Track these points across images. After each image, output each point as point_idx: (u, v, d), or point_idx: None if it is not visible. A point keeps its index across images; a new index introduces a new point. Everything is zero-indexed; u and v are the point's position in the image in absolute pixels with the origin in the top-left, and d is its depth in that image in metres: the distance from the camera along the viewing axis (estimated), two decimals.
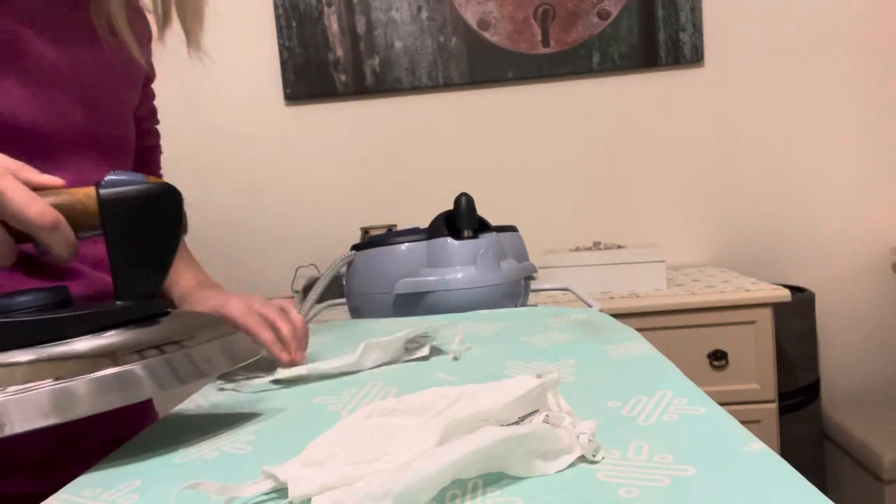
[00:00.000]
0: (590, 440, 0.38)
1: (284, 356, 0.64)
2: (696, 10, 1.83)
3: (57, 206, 0.43)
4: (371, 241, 0.96)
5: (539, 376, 0.42)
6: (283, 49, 1.91)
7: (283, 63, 1.92)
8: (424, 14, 1.89)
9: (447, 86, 1.91)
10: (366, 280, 0.93)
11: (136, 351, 0.43)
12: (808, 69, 1.85)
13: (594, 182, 1.92)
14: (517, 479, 0.36)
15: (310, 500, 0.34)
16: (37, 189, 0.43)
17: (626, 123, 1.90)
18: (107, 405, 0.41)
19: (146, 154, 0.84)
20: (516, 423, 0.39)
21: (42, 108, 0.59)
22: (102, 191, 0.45)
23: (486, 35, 1.88)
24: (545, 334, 0.71)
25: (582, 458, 0.38)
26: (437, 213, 0.95)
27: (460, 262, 0.90)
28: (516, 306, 0.94)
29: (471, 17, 1.88)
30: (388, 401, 0.43)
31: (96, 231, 0.45)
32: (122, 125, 0.70)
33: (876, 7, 1.82)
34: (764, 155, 1.88)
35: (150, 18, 0.73)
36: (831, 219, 1.87)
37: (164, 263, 0.48)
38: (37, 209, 0.42)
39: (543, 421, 0.39)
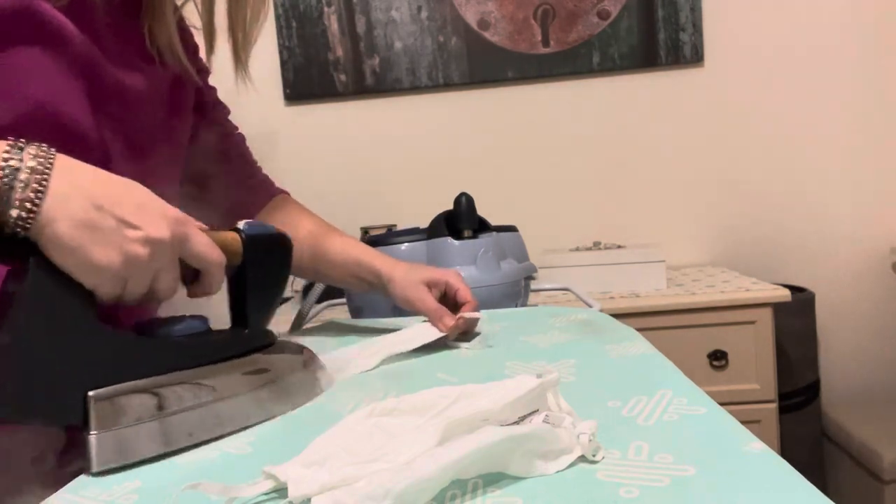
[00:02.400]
0: (590, 440, 0.38)
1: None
2: (696, 9, 1.83)
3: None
4: (371, 241, 0.96)
5: (539, 376, 0.42)
6: (283, 49, 1.91)
7: (283, 63, 1.92)
8: (424, 14, 1.89)
9: (447, 86, 1.91)
10: None
11: (269, 377, 0.53)
12: (807, 69, 1.85)
13: (594, 182, 1.92)
14: (517, 479, 0.36)
15: (310, 500, 0.34)
16: None
17: (626, 123, 1.90)
18: (255, 420, 0.50)
19: (240, 149, 0.90)
20: (516, 423, 0.39)
21: (104, 122, 0.61)
22: (248, 232, 0.53)
23: (486, 35, 1.88)
24: (545, 334, 0.71)
25: (582, 458, 0.38)
26: (437, 213, 0.95)
27: (460, 262, 0.90)
28: (516, 306, 0.94)
29: (471, 16, 1.88)
30: (388, 401, 0.43)
31: (231, 270, 0.52)
32: (168, 149, 0.71)
33: (876, 7, 1.82)
34: (764, 155, 1.88)
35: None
36: (831, 219, 1.87)
37: (278, 298, 0.56)
38: (217, 251, 0.50)
39: (543, 421, 0.39)
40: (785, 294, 1.45)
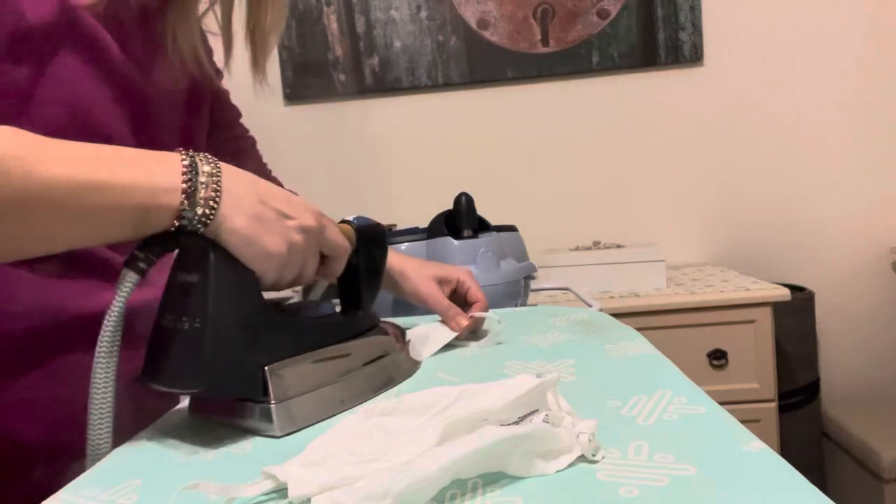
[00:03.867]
0: (590, 440, 0.38)
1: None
2: (695, 9, 1.83)
3: None
4: None
5: (539, 376, 0.42)
6: (283, 49, 1.91)
7: (283, 63, 1.92)
8: (424, 13, 1.89)
9: (447, 85, 1.91)
10: None
11: (385, 352, 0.59)
12: (807, 68, 1.85)
13: (594, 181, 1.92)
14: (517, 478, 0.36)
15: (310, 500, 0.34)
16: None
17: (626, 123, 1.90)
18: (378, 392, 0.56)
19: (253, 151, 0.93)
20: (516, 422, 0.39)
21: (134, 127, 0.63)
22: (357, 225, 0.60)
23: (486, 34, 1.88)
24: (545, 334, 0.71)
25: (582, 458, 0.38)
26: (437, 212, 0.95)
27: (460, 262, 0.90)
28: (516, 306, 0.94)
29: (470, 16, 1.88)
30: (388, 400, 0.43)
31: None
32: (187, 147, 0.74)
33: (876, 7, 1.82)
34: (763, 154, 1.88)
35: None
36: (831, 218, 1.87)
37: (380, 283, 0.63)
38: (345, 240, 0.56)
39: (543, 420, 0.39)
40: (784, 293, 1.45)
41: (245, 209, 0.48)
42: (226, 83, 0.88)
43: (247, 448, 0.45)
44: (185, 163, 0.46)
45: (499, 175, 1.93)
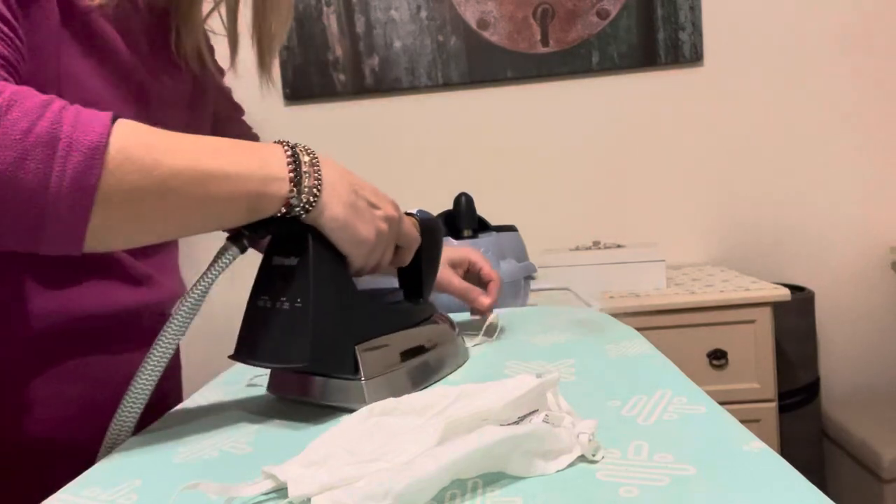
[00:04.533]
0: (589, 440, 0.38)
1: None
2: (695, 9, 1.83)
3: None
4: None
5: (539, 376, 0.42)
6: (283, 49, 1.91)
7: (283, 63, 1.92)
8: (424, 14, 1.89)
9: (447, 85, 1.91)
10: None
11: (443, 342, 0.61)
12: (807, 68, 1.85)
13: (594, 181, 1.92)
14: (517, 478, 0.36)
15: (309, 499, 0.34)
16: None
17: (626, 123, 1.90)
18: (440, 377, 0.59)
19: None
20: (516, 422, 0.39)
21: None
22: (420, 219, 0.62)
23: (486, 34, 1.88)
24: (545, 334, 0.71)
25: (582, 458, 0.38)
26: (437, 212, 0.95)
27: None
28: (516, 306, 0.94)
29: (470, 16, 1.88)
30: (388, 400, 0.43)
31: None
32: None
33: (876, 7, 1.82)
34: (763, 154, 1.88)
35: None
36: (831, 218, 1.87)
37: (436, 274, 0.67)
38: (415, 232, 0.60)
39: (543, 420, 0.39)
40: (784, 293, 1.45)
41: (342, 198, 0.51)
42: (227, 81, 0.89)
43: (247, 448, 0.45)
44: (289, 153, 0.50)
45: (499, 175, 1.93)
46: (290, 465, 0.37)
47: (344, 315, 0.51)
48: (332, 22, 1.90)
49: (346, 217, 0.51)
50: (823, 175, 1.87)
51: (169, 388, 0.72)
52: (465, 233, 0.92)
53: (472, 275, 0.81)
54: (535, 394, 0.41)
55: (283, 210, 0.49)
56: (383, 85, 1.91)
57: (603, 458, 0.38)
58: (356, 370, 0.51)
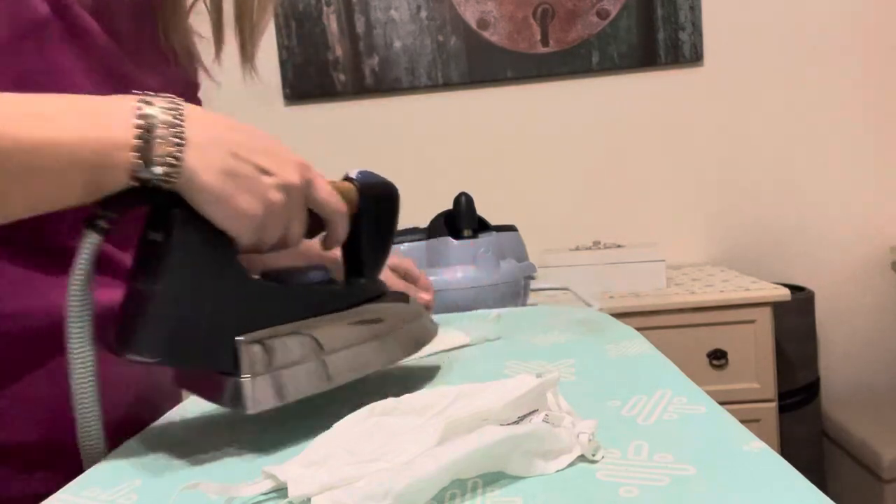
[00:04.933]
0: (589, 440, 0.38)
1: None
2: (695, 9, 1.83)
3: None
4: None
5: (539, 376, 0.42)
6: (283, 49, 1.91)
7: (283, 63, 1.92)
8: (424, 13, 1.89)
9: (447, 85, 1.91)
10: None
11: (394, 321, 0.54)
12: (807, 68, 1.85)
13: (594, 181, 1.92)
14: (517, 478, 0.36)
15: (309, 499, 0.34)
16: None
17: (626, 123, 1.90)
18: (384, 364, 0.52)
19: None
20: (516, 422, 0.39)
21: None
22: (363, 182, 0.53)
23: (486, 34, 1.88)
24: (545, 334, 0.71)
25: (582, 458, 0.38)
26: (437, 212, 0.95)
27: (460, 262, 0.90)
28: (516, 306, 0.94)
29: (470, 16, 1.88)
30: (388, 400, 0.43)
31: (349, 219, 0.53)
32: None
33: (876, 6, 1.82)
34: (763, 154, 1.88)
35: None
36: (831, 218, 1.87)
37: (389, 248, 0.57)
38: (335, 198, 0.50)
39: (543, 420, 0.39)
40: (784, 293, 1.45)
41: (214, 164, 0.43)
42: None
43: (247, 448, 0.45)
44: (140, 112, 0.41)
45: (499, 175, 1.93)
46: (290, 465, 0.37)
47: (219, 301, 0.43)
48: (332, 22, 1.90)
49: (220, 187, 0.43)
50: (823, 175, 1.87)
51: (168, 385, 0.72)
52: (465, 233, 0.92)
53: (410, 283, 0.81)
54: (535, 394, 0.41)
55: (135, 182, 0.41)
56: (383, 85, 1.91)
57: (603, 458, 0.38)
58: (238, 366, 0.43)
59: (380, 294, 0.55)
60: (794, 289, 1.72)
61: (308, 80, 1.92)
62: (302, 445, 0.39)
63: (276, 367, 0.44)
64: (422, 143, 1.95)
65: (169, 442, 0.47)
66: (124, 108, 0.42)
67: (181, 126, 0.42)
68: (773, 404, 1.47)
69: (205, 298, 0.43)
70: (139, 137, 0.41)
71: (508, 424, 0.38)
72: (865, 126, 1.85)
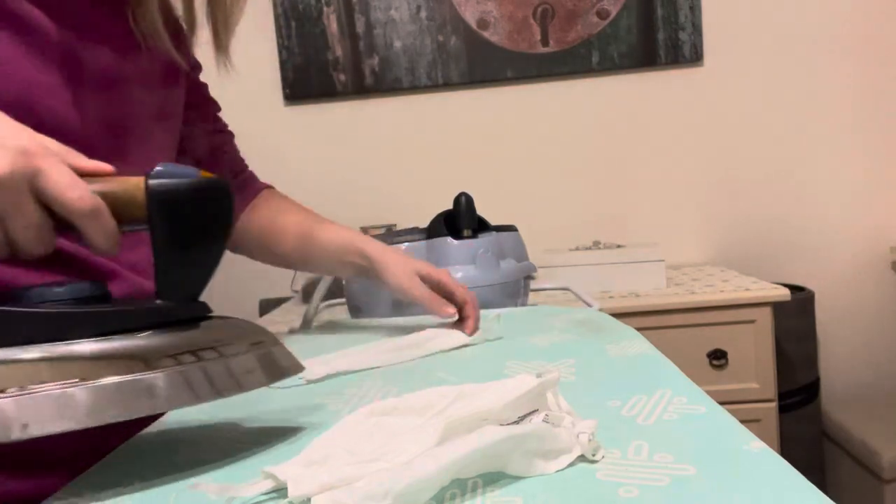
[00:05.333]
0: (589, 439, 0.38)
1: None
2: (695, 9, 1.83)
3: (102, 195, 0.41)
4: None
5: (539, 376, 0.42)
6: (283, 49, 1.91)
7: (283, 63, 1.92)
8: (424, 14, 1.89)
9: (446, 85, 1.91)
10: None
11: (170, 355, 0.41)
12: (807, 68, 1.85)
13: (594, 181, 1.92)
14: (517, 478, 0.36)
15: (309, 499, 0.34)
16: (83, 175, 0.41)
17: (626, 123, 1.90)
18: (133, 413, 0.38)
19: (230, 146, 0.89)
20: (516, 422, 0.39)
21: (88, 111, 0.60)
22: (151, 181, 0.42)
23: (486, 34, 1.88)
24: (545, 334, 0.71)
25: (582, 458, 0.38)
26: (437, 212, 0.95)
27: (460, 262, 0.90)
28: (516, 306, 0.94)
29: (470, 16, 1.88)
30: (388, 400, 0.43)
31: (142, 225, 0.43)
32: (160, 138, 0.71)
33: (876, 7, 1.82)
34: (763, 154, 1.88)
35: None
36: (831, 218, 1.87)
37: (210, 263, 0.45)
38: (76, 193, 0.40)
39: (543, 420, 0.39)
40: (784, 293, 1.45)
41: None
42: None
43: (247, 448, 0.45)
44: None
45: (499, 175, 1.93)
46: (290, 465, 0.37)
47: None
48: (332, 22, 1.90)
49: None
50: (823, 175, 1.87)
51: None
52: (465, 233, 0.92)
53: (444, 296, 0.78)
54: (534, 394, 0.41)
55: None
56: (383, 85, 1.91)
57: (603, 457, 0.38)
58: None
59: (187, 319, 0.44)
60: (794, 289, 1.72)
61: (308, 80, 1.92)
62: (302, 445, 0.39)
63: None
64: (422, 143, 1.95)
65: (169, 442, 0.47)
66: None
67: None
68: (773, 404, 1.47)
69: None
70: None
71: (508, 424, 0.38)
72: (865, 126, 1.85)
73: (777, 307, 1.47)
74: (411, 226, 1.05)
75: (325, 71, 1.92)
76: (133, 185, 0.42)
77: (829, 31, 1.84)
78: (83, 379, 0.38)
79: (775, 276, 1.86)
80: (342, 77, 1.92)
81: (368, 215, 1.93)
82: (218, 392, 0.42)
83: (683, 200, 1.90)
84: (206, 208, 0.44)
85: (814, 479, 0.55)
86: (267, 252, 0.87)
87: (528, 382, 0.41)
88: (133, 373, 0.39)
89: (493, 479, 0.36)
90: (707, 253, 1.91)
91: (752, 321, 1.46)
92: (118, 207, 0.42)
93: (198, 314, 0.45)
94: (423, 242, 0.94)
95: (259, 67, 1.92)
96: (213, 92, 0.89)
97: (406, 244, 0.94)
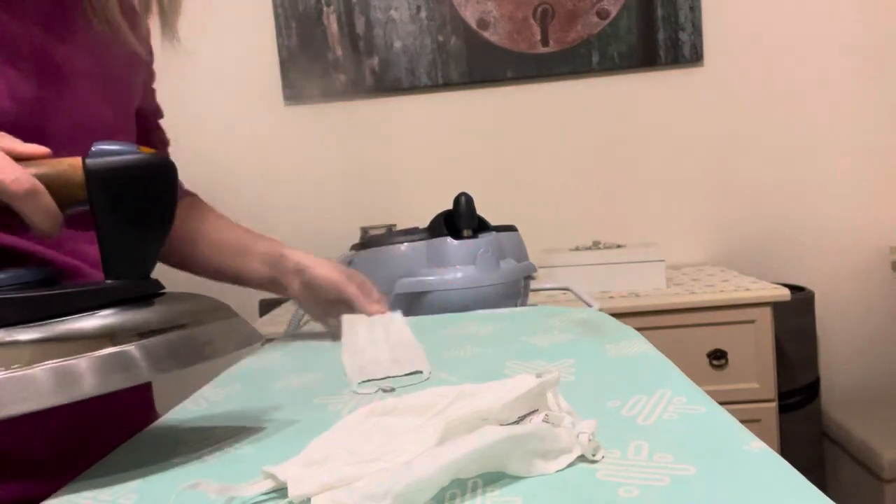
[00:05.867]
0: (589, 439, 0.38)
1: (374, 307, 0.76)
2: (695, 9, 1.83)
3: (39, 177, 0.41)
4: (370, 240, 0.96)
5: (539, 376, 0.42)
6: (283, 49, 1.91)
7: (283, 63, 1.92)
8: (424, 14, 1.89)
9: (446, 85, 1.91)
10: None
11: (136, 333, 0.41)
12: (807, 68, 1.85)
13: (594, 181, 1.92)
14: (517, 478, 0.36)
15: (309, 499, 0.34)
16: (18, 158, 0.41)
17: (626, 123, 1.90)
18: (107, 387, 0.39)
19: (165, 149, 0.86)
20: (516, 422, 0.39)
21: (46, 104, 0.59)
22: (89, 160, 0.42)
23: (486, 34, 1.88)
24: (545, 334, 0.71)
25: (582, 458, 0.38)
26: (437, 212, 0.95)
27: (460, 262, 0.90)
28: (516, 306, 0.94)
29: (470, 16, 1.88)
30: (388, 400, 0.43)
31: (84, 205, 0.43)
32: (125, 133, 0.70)
33: (875, 7, 1.82)
34: (763, 154, 1.88)
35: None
36: (831, 218, 1.87)
37: (156, 240, 0.45)
38: (11, 175, 0.40)
39: (543, 420, 0.39)
40: (784, 293, 1.45)
41: None
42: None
43: (247, 448, 0.45)
44: None
45: (499, 175, 1.93)
46: (290, 465, 0.37)
47: None
48: (332, 22, 1.90)
49: None
50: (823, 175, 1.87)
51: (135, 401, 0.69)
52: (465, 233, 0.92)
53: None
54: (534, 394, 0.41)
55: None
56: (383, 85, 1.92)
57: (603, 458, 0.38)
58: None
59: (140, 297, 0.44)
60: (794, 289, 1.72)
61: (308, 81, 1.92)
62: (302, 445, 0.39)
63: None
64: (422, 143, 1.95)
65: (169, 442, 0.47)
66: None
67: None
68: (773, 404, 1.47)
69: None
70: None
71: (508, 424, 0.38)
72: (865, 126, 1.85)
73: (777, 307, 1.47)
74: (411, 226, 1.05)
75: (325, 71, 1.92)
76: (69, 164, 0.42)
77: (829, 31, 1.84)
78: (29, 363, 0.38)
79: (775, 276, 1.86)
80: (342, 77, 1.92)
81: (368, 215, 1.93)
82: (182, 363, 0.42)
83: (683, 200, 1.90)
84: (146, 185, 0.44)
85: (814, 479, 0.56)
86: (188, 259, 0.84)
87: (528, 382, 0.41)
88: (102, 349, 0.39)
89: (493, 479, 0.36)
90: (707, 253, 1.91)
91: (752, 321, 1.46)
92: (57, 188, 0.42)
93: (150, 291, 0.44)
94: (423, 242, 0.94)
95: (259, 67, 1.92)
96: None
97: (406, 244, 0.94)
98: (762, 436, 0.41)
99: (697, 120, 1.88)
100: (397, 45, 1.90)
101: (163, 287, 0.46)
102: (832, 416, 1.74)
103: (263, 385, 0.61)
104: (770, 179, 1.88)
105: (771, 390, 1.46)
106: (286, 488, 0.35)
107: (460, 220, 0.92)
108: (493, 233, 0.94)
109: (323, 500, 0.33)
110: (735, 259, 1.89)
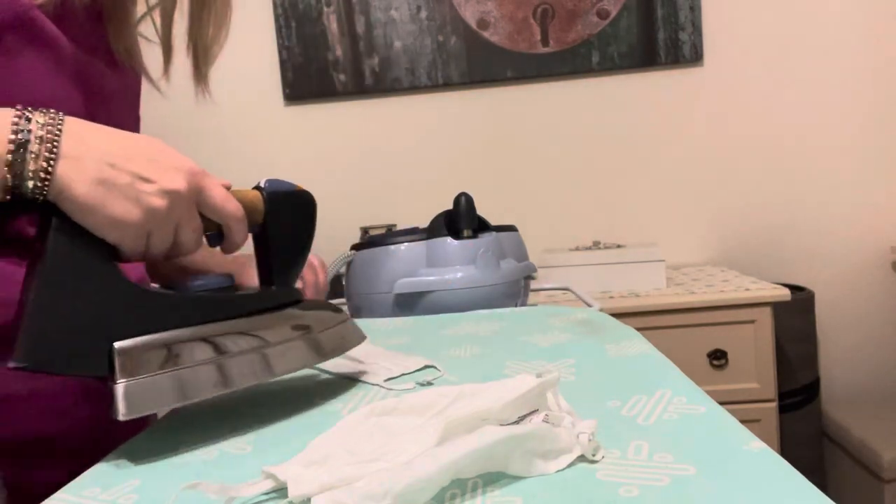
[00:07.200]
0: (589, 439, 0.38)
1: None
2: (695, 9, 1.83)
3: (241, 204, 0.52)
4: (370, 240, 0.96)
5: (539, 375, 0.42)
6: (283, 49, 1.91)
7: (283, 63, 1.92)
8: (424, 14, 1.89)
9: (447, 85, 1.91)
10: (365, 280, 0.93)
11: (324, 328, 0.55)
12: (807, 68, 1.85)
13: (594, 181, 1.92)
14: (517, 478, 0.36)
15: (309, 499, 0.34)
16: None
17: (626, 123, 1.90)
18: (308, 365, 0.54)
19: None
20: (516, 422, 0.39)
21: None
22: (268, 192, 0.54)
23: (486, 34, 1.88)
24: (545, 334, 0.71)
25: (582, 458, 0.38)
26: (437, 212, 0.95)
27: (460, 262, 0.90)
28: (516, 306, 0.94)
29: (470, 16, 1.88)
30: (388, 400, 0.43)
31: (256, 226, 0.54)
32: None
33: (876, 6, 1.82)
34: (763, 154, 1.88)
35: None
36: (831, 218, 1.87)
37: (304, 256, 0.57)
38: (234, 204, 0.51)
39: (543, 420, 0.39)
40: (784, 293, 1.45)
41: (87, 174, 0.44)
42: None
43: (247, 448, 0.45)
44: (17, 127, 0.43)
45: (499, 175, 1.93)
46: (290, 465, 0.37)
47: (97, 308, 0.44)
48: (332, 22, 1.90)
49: (93, 197, 0.44)
50: (823, 175, 1.87)
51: None
52: (465, 233, 0.92)
53: None
54: (534, 394, 0.41)
55: (9, 196, 0.43)
56: (383, 85, 1.92)
57: (603, 457, 0.38)
58: (113, 370, 0.44)
59: (293, 301, 0.55)
60: (794, 289, 1.72)
61: (308, 80, 1.92)
62: (302, 445, 0.39)
63: (154, 372, 0.45)
64: (422, 143, 1.95)
65: (169, 442, 0.47)
66: (2, 123, 0.43)
67: (56, 140, 0.43)
68: (773, 404, 1.47)
69: (79, 305, 0.44)
70: (12, 153, 0.42)
71: (508, 424, 0.38)
72: (865, 126, 1.85)
73: (777, 307, 1.47)
74: (411, 226, 1.05)
75: (325, 71, 1.92)
76: (254, 195, 0.53)
77: (829, 31, 1.84)
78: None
79: (775, 276, 1.86)
80: (342, 77, 1.92)
81: (369, 215, 1.93)
82: (333, 353, 0.55)
83: (683, 200, 1.90)
84: (303, 211, 0.57)
85: (814, 479, 0.56)
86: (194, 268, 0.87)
87: (528, 382, 0.41)
88: (286, 340, 0.52)
89: (493, 479, 0.36)
90: (707, 253, 1.91)
91: (752, 321, 1.46)
92: (248, 214, 0.52)
93: (300, 298, 0.56)
94: (423, 242, 0.94)
95: (259, 67, 1.92)
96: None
97: (406, 244, 0.94)
98: (762, 436, 0.41)
99: (697, 120, 1.88)
100: (397, 45, 1.90)
101: (303, 295, 0.57)
102: (832, 416, 1.74)
103: (263, 385, 0.61)
104: (770, 179, 1.88)
105: (771, 390, 1.46)
106: (286, 488, 0.35)
107: (460, 220, 0.92)
108: (493, 233, 0.94)
109: (323, 500, 0.33)
110: (735, 259, 1.89)
